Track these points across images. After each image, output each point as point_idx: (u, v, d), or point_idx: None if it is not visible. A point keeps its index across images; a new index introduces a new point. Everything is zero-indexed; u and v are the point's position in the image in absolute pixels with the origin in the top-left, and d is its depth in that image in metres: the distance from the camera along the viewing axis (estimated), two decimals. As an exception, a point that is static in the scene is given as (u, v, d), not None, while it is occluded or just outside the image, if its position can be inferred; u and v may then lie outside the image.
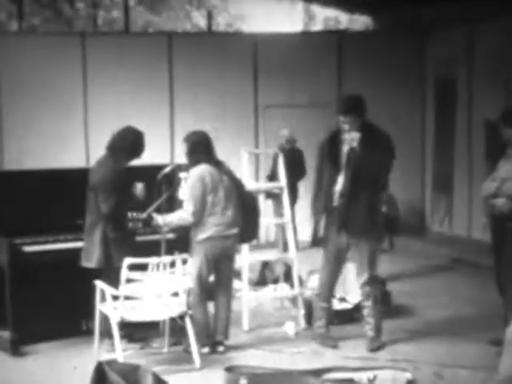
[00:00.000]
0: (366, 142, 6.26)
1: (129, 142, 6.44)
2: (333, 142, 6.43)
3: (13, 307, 6.33)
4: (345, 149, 6.32)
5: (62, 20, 15.33)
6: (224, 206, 6.30)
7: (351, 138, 6.28)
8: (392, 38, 13.44)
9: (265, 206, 10.22)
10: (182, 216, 6.24)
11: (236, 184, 6.47)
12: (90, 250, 6.25)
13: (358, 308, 7.45)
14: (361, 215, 6.26)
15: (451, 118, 12.97)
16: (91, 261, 6.24)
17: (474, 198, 11.85)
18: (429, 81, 13.66)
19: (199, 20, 15.81)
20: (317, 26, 15.72)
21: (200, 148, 6.34)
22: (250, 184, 7.43)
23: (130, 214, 6.34)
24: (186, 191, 6.29)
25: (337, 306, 7.48)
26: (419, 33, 13.52)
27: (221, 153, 6.59)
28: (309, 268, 8.13)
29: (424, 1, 12.00)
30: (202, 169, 6.28)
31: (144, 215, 6.27)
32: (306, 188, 10.56)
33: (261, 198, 9.78)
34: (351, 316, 7.39)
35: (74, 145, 12.42)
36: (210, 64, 13.00)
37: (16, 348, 6.36)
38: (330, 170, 6.38)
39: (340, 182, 6.31)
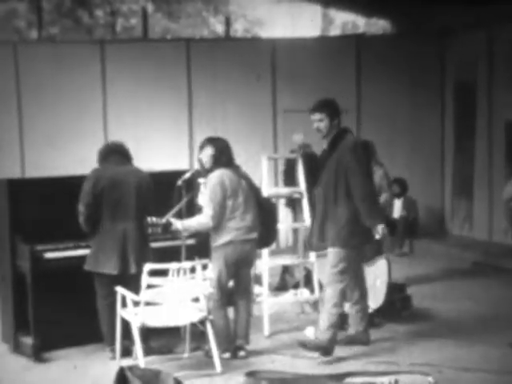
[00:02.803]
0: (330, 147, 6.39)
1: (127, 150, 6.70)
2: (322, 152, 6.65)
3: (34, 313, 6.37)
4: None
5: (81, 28, 15.40)
6: (243, 210, 6.30)
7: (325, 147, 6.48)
8: (411, 42, 13.40)
9: (285, 210, 10.22)
10: (201, 221, 6.25)
11: (254, 189, 6.48)
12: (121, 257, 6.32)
13: (377, 312, 7.46)
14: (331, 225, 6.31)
15: (471, 121, 12.91)
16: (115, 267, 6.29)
17: (494, 201, 11.79)
18: (448, 84, 13.61)
19: (217, 26, 15.82)
20: (335, 31, 15.70)
21: (224, 153, 6.36)
22: (269, 189, 7.44)
23: (149, 219, 6.37)
24: (206, 196, 6.30)
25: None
26: (438, 36, 13.48)
27: (239, 158, 6.60)
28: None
29: (443, 4, 11.96)
30: (222, 173, 6.29)
31: (163, 220, 6.29)
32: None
33: (280, 203, 9.79)
34: (371, 320, 7.36)
35: (94, 152, 12.46)
36: (228, 69, 13.03)
37: (38, 354, 6.40)
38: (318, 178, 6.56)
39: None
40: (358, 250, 6.46)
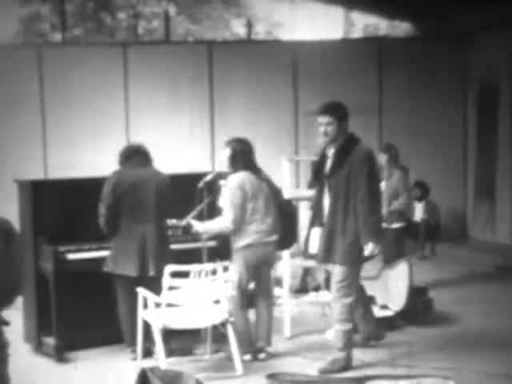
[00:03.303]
0: (341, 155, 5.98)
1: (148, 152, 6.68)
2: (321, 156, 6.20)
3: (57, 314, 6.41)
4: (328, 163, 6.08)
5: (104, 31, 15.51)
6: (264, 213, 6.31)
7: (331, 153, 6.05)
8: (433, 44, 13.34)
9: (307, 213, 10.21)
10: (221, 223, 6.27)
11: (274, 191, 6.48)
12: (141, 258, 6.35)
13: (399, 315, 7.44)
14: (340, 243, 5.94)
15: (494, 124, 12.84)
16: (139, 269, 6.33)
17: (517, 205, 11.73)
18: (471, 87, 13.54)
19: (238, 28, 15.86)
20: (357, 33, 15.68)
21: (242, 155, 6.36)
22: (290, 191, 7.44)
23: (169, 222, 6.39)
24: (226, 199, 6.31)
25: (378, 313, 7.45)
26: (461, 38, 13.42)
27: (260, 160, 6.61)
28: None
29: (466, 5, 11.91)
30: (242, 176, 6.29)
31: (183, 222, 6.31)
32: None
33: (302, 206, 9.77)
34: (392, 323, 7.36)
35: (116, 153, 12.51)
36: (250, 72, 13.05)
37: (60, 354, 6.44)
38: (317, 185, 6.29)
39: (326, 197, 6.07)
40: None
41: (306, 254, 6.77)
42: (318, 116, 6.07)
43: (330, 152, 6.05)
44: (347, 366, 6.04)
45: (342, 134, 6.03)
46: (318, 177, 6.19)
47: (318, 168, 6.19)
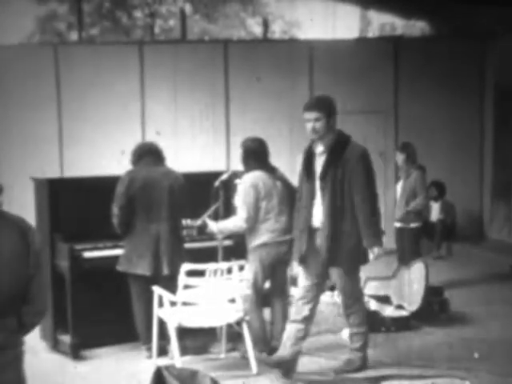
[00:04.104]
0: (334, 154, 5.70)
1: (161, 151, 6.67)
2: (308, 154, 5.88)
3: (73, 312, 6.44)
4: (317, 162, 5.78)
5: (120, 30, 15.52)
6: (278, 212, 6.30)
7: (320, 151, 5.76)
8: (450, 44, 13.29)
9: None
10: (235, 223, 6.27)
11: (290, 190, 6.47)
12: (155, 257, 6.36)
13: (414, 315, 7.42)
14: (345, 244, 5.70)
15: (511, 124, 12.77)
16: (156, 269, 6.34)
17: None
18: (488, 87, 13.48)
19: (254, 27, 15.84)
20: (373, 32, 15.62)
21: (254, 155, 6.36)
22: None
23: (184, 221, 6.40)
24: (240, 198, 6.31)
25: (393, 313, 7.44)
26: (478, 38, 13.35)
27: (276, 159, 6.61)
28: (365, 275, 8.08)
29: (484, 5, 11.84)
30: (255, 175, 6.29)
31: (198, 222, 6.31)
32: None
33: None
34: (408, 323, 7.34)
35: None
36: (266, 71, 13.04)
37: (76, 352, 6.47)
38: (305, 185, 5.86)
39: (318, 197, 5.75)
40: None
41: (295, 258, 6.00)
42: (305, 112, 5.74)
43: (318, 150, 5.77)
44: (362, 366, 6.02)
45: (330, 131, 5.75)
46: (308, 177, 5.82)
47: (306, 168, 5.85)
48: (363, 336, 6.05)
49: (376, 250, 5.69)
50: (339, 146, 5.71)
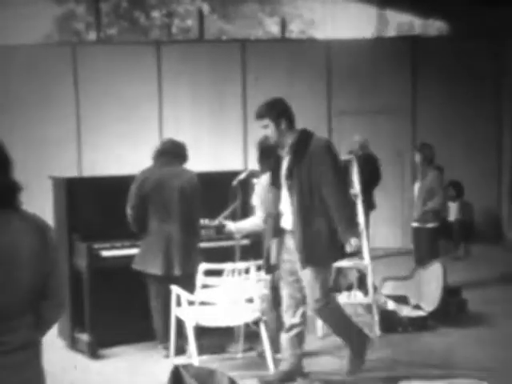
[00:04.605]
0: (296, 152, 5.57)
1: (183, 150, 6.63)
2: (276, 159, 5.78)
3: (90, 311, 6.46)
4: (284, 165, 5.67)
5: (137, 29, 15.58)
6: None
7: (284, 154, 5.65)
8: (468, 44, 13.22)
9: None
10: (253, 222, 6.27)
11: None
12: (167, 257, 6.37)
13: (432, 316, 7.39)
14: (315, 241, 5.52)
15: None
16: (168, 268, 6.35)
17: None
18: (505, 87, 13.40)
19: (272, 27, 15.84)
20: (390, 32, 15.58)
21: (261, 155, 6.36)
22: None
23: (201, 221, 6.40)
24: (257, 197, 6.30)
25: (411, 313, 7.42)
26: (497, 39, 13.28)
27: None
28: (382, 275, 8.07)
29: (502, 5, 11.78)
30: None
31: (216, 222, 6.31)
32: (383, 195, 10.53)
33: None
34: (425, 324, 7.32)
35: (149, 151, 12.58)
36: (283, 70, 13.05)
37: (94, 350, 6.49)
38: (272, 190, 5.79)
39: (285, 200, 5.64)
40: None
41: (268, 269, 5.87)
42: (256, 120, 5.72)
43: (283, 153, 5.68)
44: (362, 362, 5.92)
45: (287, 133, 5.62)
46: (275, 181, 5.72)
47: (273, 172, 5.75)
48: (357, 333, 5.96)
49: (353, 241, 5.46)
50: (301, 144, 5.58)
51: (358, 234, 5.66)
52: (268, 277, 6.16)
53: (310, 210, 5.49)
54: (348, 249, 5.51)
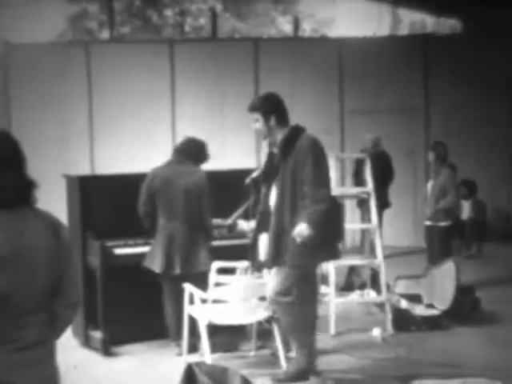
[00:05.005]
0: (283, 148, 5.48)
1: (198, 148, 6.63)
2: (270, 157, 5.72)
3: (104, 308, 6.48)
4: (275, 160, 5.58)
5: (150, 28, 15.62)
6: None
7: (276, 151, 5.56)
8: (481, 42, 13.15)
9: (352, 210, 10.19)
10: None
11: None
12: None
13: (445, 315, 7.37)
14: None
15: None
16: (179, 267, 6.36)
17: None
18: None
19: (285, 26, 15.84)
20: (403, 30, 15.55)
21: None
22: (336, 189, 7.42)
23: (214, 221, 6.41)
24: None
25: (424, 312, 7.40)
26: (510, 37, 13.21)
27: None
28: (395, 273, 8.06)
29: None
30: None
31: (229, 221, 6.31)
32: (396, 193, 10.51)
33: (347, 204, 9.74)
34: (439, 322, 7.30)
35: (162, 149, 12.61)
36: (296, 69, 13.03)
37: (107, 348, 6.51)
38: (263, 189, 5.70)
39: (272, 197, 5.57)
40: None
41: (255, 266, 5.82)
42: (248, 113, 5.66)
43: (275, 150, 5.62)
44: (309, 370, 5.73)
45: (277, 129, 5.55)
46: (265, 180, 5.67)
47: (264, 170, 5.71)
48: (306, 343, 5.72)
49: (304, 231, 5.23)
50: (289, 141, 5.47)
51: (311, 231, 5.25)
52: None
53: (290, 207, 5.37)
54: (297, 238, 5.26)
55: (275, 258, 5.46)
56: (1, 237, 2.46)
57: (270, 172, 5.63)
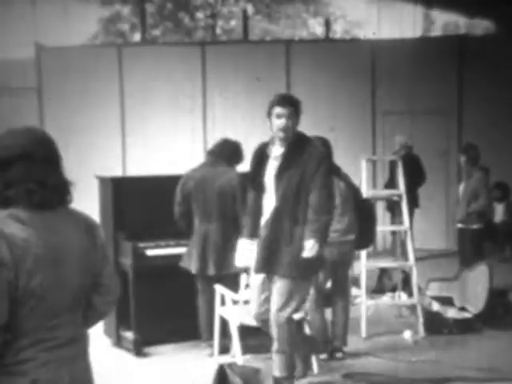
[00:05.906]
0: (292, 154, 5.20)
1: (231, 150, 6.62)
2: (260, 158, 5.35)
3: (136, 309, 6.51)
4: (270, 165, 5.26)
5: (182, 30, 15.70)
6: (341, 212, 6.27)
7: (277, 155, 5.24)
8: (514, 43, 13.04)
9: (383, 213, 10.15)
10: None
11: (353, 190, 6.45)
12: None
13: (477, 318, 7.32)
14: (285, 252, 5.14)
15: None
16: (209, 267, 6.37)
17: None
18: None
19: (316, 27, 15.84)
20: (436, 31, 15.47)
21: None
22: (368, 191, 7.40)
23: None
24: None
25: (456, 315, 7.36)
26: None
27: (338, 159, 6.58)
28: (427, 276, 8.01)
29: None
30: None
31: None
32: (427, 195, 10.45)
33: (379, 206, 9.71)
34: (471, 325, 7.25)
35: (193, 151, 12.67)
36: (328, 71, 13.01)
37: (139, 349, 6.54)
38: (253, 189, 5.43)
39: (266, 204, 5.28)
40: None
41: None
42: (278, 107, 5.21)
43: (275, 153, 5.27)
44: None
45: (294, 133, 5.26)
46: (256, 180, 5.36)
47: (255, 169, 5.38)
48: (288, 360, 5.40)
49: (313, 246, 5.06)
50: (299, 147, 5.23)
51: (321, 241, 5.14)
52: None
53: (290, 216, 5.14)
54: (306, 254, 5.07)
55: (265, 266, 5.22)
56: (37, 236, 2.48)
57: (258, 172, 5.35)
